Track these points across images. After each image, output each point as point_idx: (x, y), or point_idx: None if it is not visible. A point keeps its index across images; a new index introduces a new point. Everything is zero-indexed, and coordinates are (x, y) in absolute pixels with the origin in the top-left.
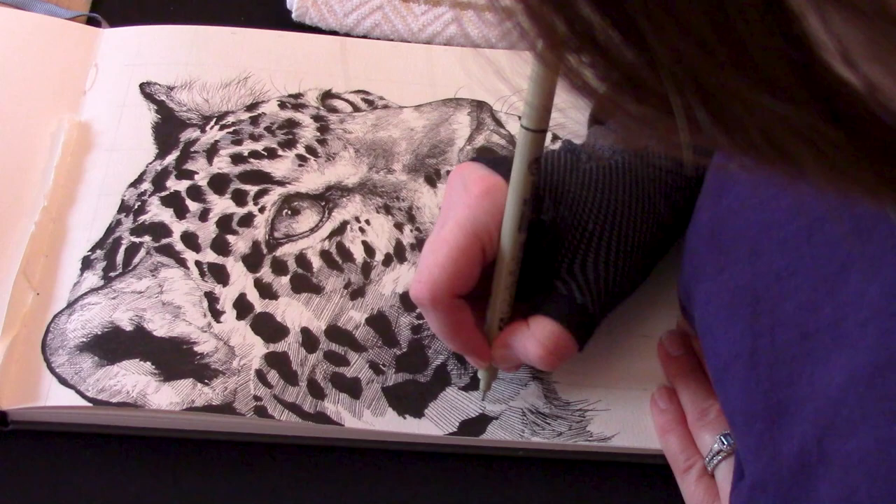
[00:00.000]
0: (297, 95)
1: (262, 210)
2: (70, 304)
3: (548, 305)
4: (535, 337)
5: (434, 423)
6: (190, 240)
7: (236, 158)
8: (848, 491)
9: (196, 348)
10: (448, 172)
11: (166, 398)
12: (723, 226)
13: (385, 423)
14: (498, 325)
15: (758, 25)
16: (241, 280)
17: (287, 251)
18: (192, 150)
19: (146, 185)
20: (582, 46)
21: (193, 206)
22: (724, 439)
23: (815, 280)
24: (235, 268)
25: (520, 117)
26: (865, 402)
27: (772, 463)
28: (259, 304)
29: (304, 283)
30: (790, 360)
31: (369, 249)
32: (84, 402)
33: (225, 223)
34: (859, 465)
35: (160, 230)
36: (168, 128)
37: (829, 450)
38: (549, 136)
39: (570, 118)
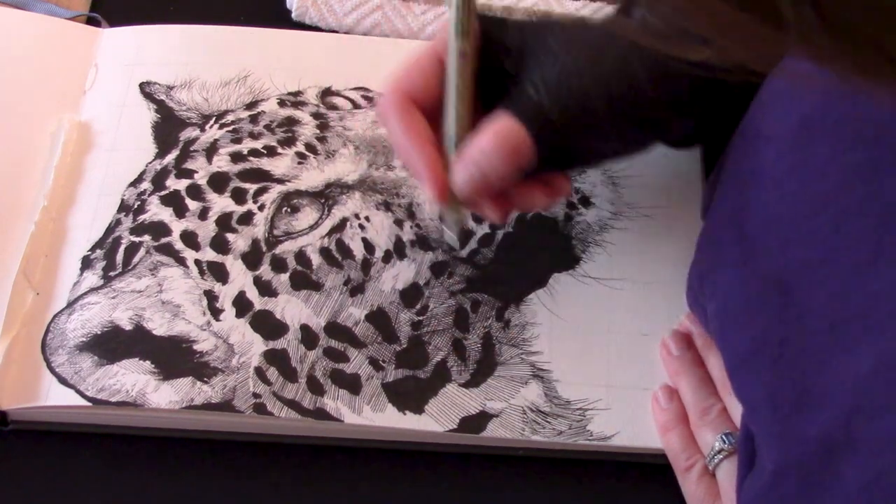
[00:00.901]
0: (297, 93)
1: (261, 208)
2: (70, 304)
3: (503, 103)
4: (486, 127)
5: (434, 420)
6: (189, 238)
7: (236, 157)
8: (875, 475)
9: (195, 347)
10: None
11: (166, 397)
12: (748, 215)
13: (385, 419)
14: (453, 146)
15: None
16: (240, 278)
17: (287, 249)
18: (191, 149)
19: (146, 185)
20: None
21: (193, 204)
22: (725, 438)
23: (844, 271)
24: (235, 266)
25: None
26: (893, 388)
27: (796, 447)
28: (258, 302)
29: (304, 281)
30: (819, 349)
31: (369, 246)
32: (84, 402)
33: (224, 221)
34: (887, 450)
35: (160, 229)
36: (168, 127)
37: (855, 434)
38: None
39: None
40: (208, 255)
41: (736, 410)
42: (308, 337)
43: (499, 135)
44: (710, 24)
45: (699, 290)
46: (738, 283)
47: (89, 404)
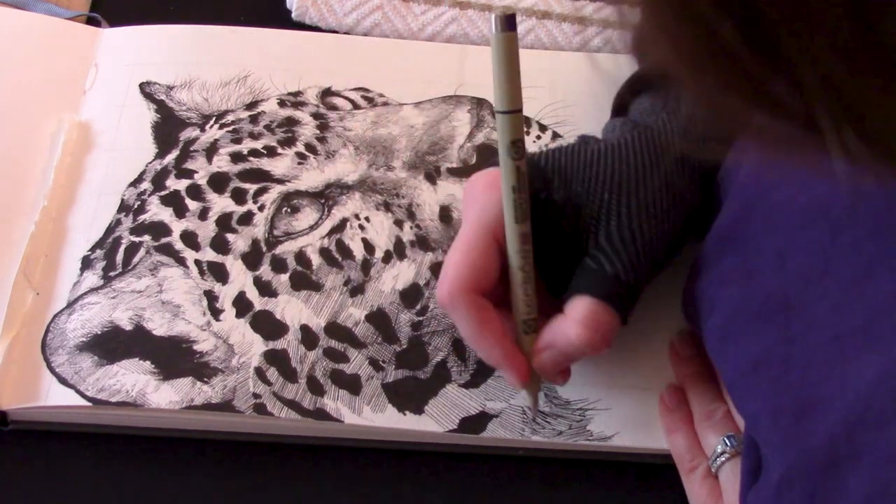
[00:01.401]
0: (297, 93)
1: (261, 208)
2: (70, 304)
3: (579, 283)
4: (573, 318)
5: (434, 420)
6: (189, 239)
7: (236, 157)
8: (881, 485)
9: (195, 347)
10: (448, 170)
11: (166, 397)
12: (745, 230)
13: (385, 419)
14: (524, 328)
15: None
16: (240, 278)
17: (286, 249)
18: (191, 149)
19: (146, 185)
20: (719, 66)
21: (193, 204)
22: (728, 441)
23: (843, 281)
24: (235, 266)
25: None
26: None
27: (799, 458)
28: (258, 302)
29: (304, 281)
30: (821, 360)
31: (369, 247)
32: (84, 402)
33: (224, 222)
34: (892, 461)
35: (160, 229)
36: (168, 127)
37: (859, 444)
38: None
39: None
40: (208, 255)
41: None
42: (308, 337)
43: (587, 323)
44: (745, 129)
45: (697, 306)
46: (738, 299)
47: (89, 404)
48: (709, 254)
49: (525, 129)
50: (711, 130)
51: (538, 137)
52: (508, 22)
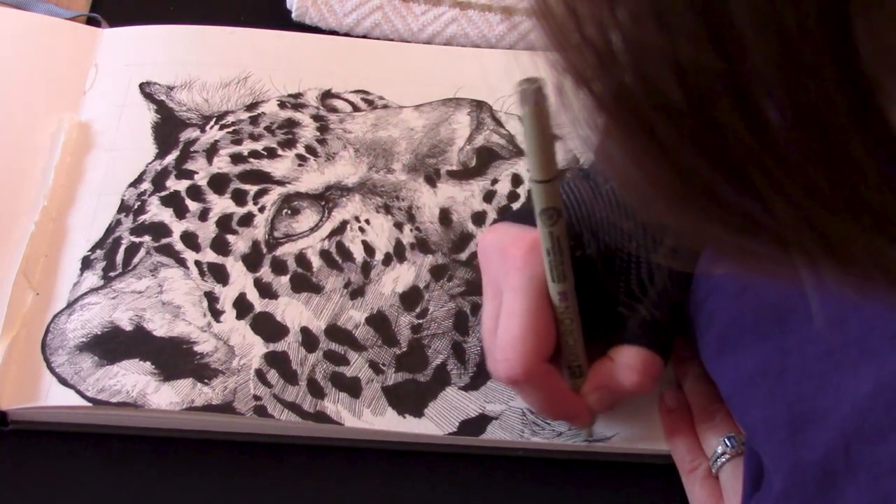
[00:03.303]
0: (297, 95)
1: (261, 210)
2: (70, 304)
3: (625, 333)
4: (626, 366)
5: (434, 423)
6: (190, 239)
7: (236, 158)
8: (879, 498)
9: (196, 348)
10: (448, 172)
11: (166, 398)
12: None
13: (385, 422)
14: (570, 374)
15: (873, 175)
16: (240, 280)
17: (287, 251)
18: (191, 149)
19: (146, 185)
20: (698, 202)
21: (193, 205)
22: (728, 441)
23: (839, 296)
24: (235, 267)
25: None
26: (894, 409)
27: (794, 471)
28: (259, 304)
29: (304, 283)
30: (817, 374)
31: (369, 249)
32: (84, 402)
33: (225, 223)
34: (891, 472)
35: (160, 230)
36: (168, 128)
37: (856, 457)
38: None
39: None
40: (209, 256)
41: None
42: (308, 339)
43: (640, 370)
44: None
45: (694, 315)
46: (736, 312)
47: (89, 404)
48: (703, 264)
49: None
50: (681, 245)
51: None
52: (537, 95)
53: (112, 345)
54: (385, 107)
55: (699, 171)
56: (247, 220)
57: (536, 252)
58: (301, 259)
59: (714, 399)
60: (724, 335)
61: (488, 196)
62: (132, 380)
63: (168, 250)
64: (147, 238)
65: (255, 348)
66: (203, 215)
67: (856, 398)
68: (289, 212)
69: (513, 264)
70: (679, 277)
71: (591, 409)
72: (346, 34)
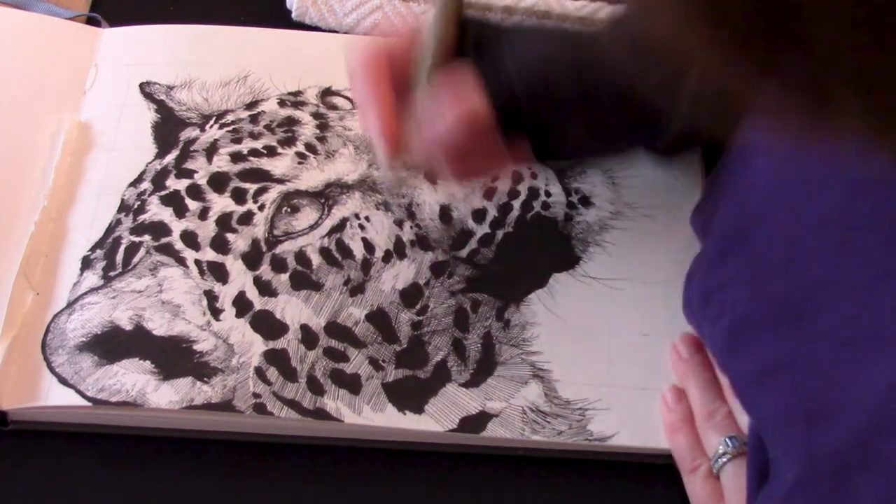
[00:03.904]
0: (297, 93)
1: (261, 208)
2: (70, 304)
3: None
4: (449, 90)
5: (434, 420)
6: (189, 238)
7: (236, 157)
8: (892, 495)
9: (195, 347)
10: None
11: (166, 397)
12: (752, 231)
13: (385, 419)
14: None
15: None
16: (240, 278)
17: (286, 249)
18: (191, 148)
19: (146, 185)
20: (731, 33)
21: (193, 204)
22: (729, 441)
23: (853, 289)
24: (235, 266)
25: None
26: None
27: (809, 463)
28: (258, 302)
29: (304, 281)
30: (831, 367)
31: (369, 246)
32: (84, 402)
33: (224, 221)
34: None
35: (160, 229)
36: (168, 127)
37: (872, 452)
38: None
39: None
40: (208, 255)
41: (742, 414)
42: (308, 337)
43: (453, 90)
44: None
45: (701, 307)
46: (748, 304)
47: (89, 404)
48: (713, 254)
49: None
50: (718, 106)
51: None
52: None
53: (112, 344)
54: None
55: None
56: (246, 218)
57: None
58: (301, 257)
59: (715, 398)
60: (735, 327)
61: (488, 193)
62: (132, 379)
63: (168, 249)
64: (147, 237)
65: (254, 346)
66: (203, 214)
67: (873, 393)
68: (288, 210)
69: None
70: (557, 69)
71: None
72: (347, 34)
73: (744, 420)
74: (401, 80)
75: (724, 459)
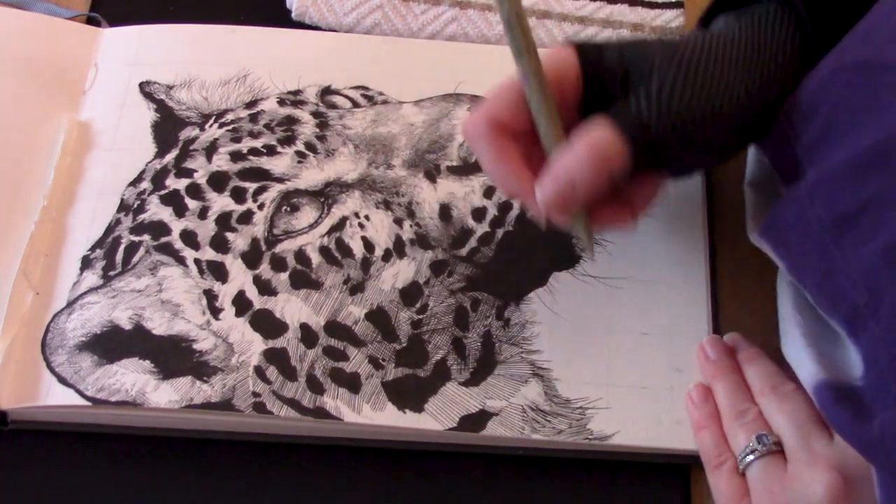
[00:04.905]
0: (296, 92)
1: (261, 207)
2: (70, 304)
3: (605, 113)
4: (586, 135)
5: (434, 418)
6: (189, 238)
7: (235, 156)
8: None
9: (195, 346)
10: (448, 168)
11: (165, 396)
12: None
13: (384, 417)
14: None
15: None
16: (240, 277)
17: (286, 248)
18: (191, 148)
19: (145, 184)
20: None
21: (193, 204)
22: (760, 439)
23: None
24: (234, 265)
25: None
26: None
27: None
28: (258, 301)
29: (304, 279)
30: None
31: (369, 245)
32: (83, 402)
33: (224, 221)
34: None
35: (159, 229)
36: (167, 126)
37: None
38: None
39: None
40: (208, 254)
41: (774, 416)
42: (308, 336)
43: (592, 142)
44: None
45: (839, 225)
46: None
47: (89, 404)
48: (845, 173)
49: None
50: None
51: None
52: None
53: (111, 344)
54: (385, 103)
55: None
56: (246, 217)
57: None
58: (300, 256)
59: (745, 399)
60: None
61: (488, 192)
62: (131, 378)
63: (167, 249)
64: (146, 237)
65: (254, 345)
66: (202, 213)
67: None
68: (288, 209)
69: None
70: (698, 109)
71: (541, 201)
72: (347, 33)
73: (776, 422)
74: (524, 132)
75: (753, 457)
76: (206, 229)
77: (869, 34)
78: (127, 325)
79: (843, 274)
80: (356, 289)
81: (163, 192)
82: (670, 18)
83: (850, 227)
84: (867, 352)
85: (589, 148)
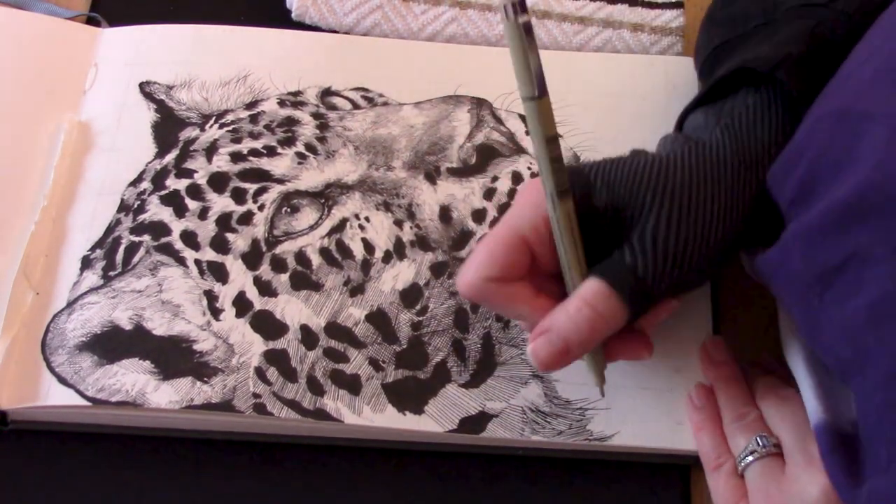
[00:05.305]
0: (297, 93)
1: (261, 208)
2: (70, 304)
3: (598, 267)
4: (581, 295)
5: (434, 420)
6: (189, 238)
7: (236, 157)
8: None
9: (195, 346)
10: (448, 169)
11: (165, 397)
12: (889, 193)
13: (385, 419)
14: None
15: None
16: (240, 278)
17: (286, 249)
18: (191, 148)
19: (145, 184)
20: None
21: (193, 204)
22: (760, 440)
23: None
24: (235, 266)
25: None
26: None
27: None
28: (258, 302)
29: (304, 281)
30: None
31: (369, 246)
32: (83, 402)
33: (224, 221)
34: None
35: (159, 229)
36: (167, 127)
37: None
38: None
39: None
40: (208, 254)
41: (773, 419)
42: (308, 337)
43: (591, 302)
44: None
45: (817, 286)
46: (891, 280)
47: (89, 404)
48: (824, 227)
49: (526, 129)
50: None
51: None
52: (522, 5)
53: (112, 344)
54: (385, 104)
55: None
56: (246, 218)
57: (532, 194)
58: (301, 257)
59: (746, 402)
60: (880, 304)
61: (488, 193)
62: (132, 379)
63: (167, 249)
64: (147, 237)
65: (254, 346)
66: (202, 214)
67: None
68: (288, 210)
69: (517, 199)
70: (688, 255)
71: (532, 355)
72: (346, 34)
73: (776, 424)
74: (509, 273)
75: (752, 458)
76: (207, 230)
77: (850, 78)
78: (127, 326)
79: (827, 329)
80: (356, 290)
81: (163, 193)
82: (670, 18)
83: (832, 284)
84: (858, 402)
85: (585, 310)
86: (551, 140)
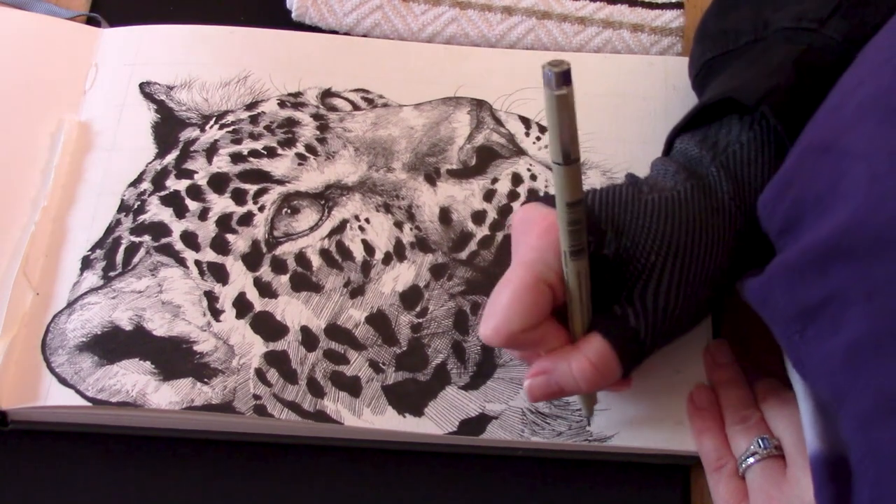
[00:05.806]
0: (297, 94)
1: (261, 209)
2: (70, 304)
3: (601, 324)
4: (583, 352)
5: (434, 422)
6: (189, 239)
7: (236, 157)
8: None
9: (195, 347)
10: (448, 171)
11: (166, 397)
12: (869, 233)
13: (385, 421)
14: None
15: None
16: (240, 279)
17: (286, 250)
18: (191, 149)
19: (146, 185)
20: None
21: (193, 205)
22: (761, 442)
23: None
24: (235, 267)
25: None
26: None
27: None
28: (258, 303)
29: (304, 282)
30: None
31: (369, 248)
32: (84, 402)
33: (224, 222)
34: None
35: (160, 229)
36: (168, 127)
37: None
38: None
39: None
40: (208, 255)
41: (775, 422)
42: (308, 339)
43: (591, 359)
44: None
45: (797, 323)
46: (871, 319)
47: (89, 404)
48: (805, 265)
49: (525, 131)
50: None
51: (538, 139)
52: (565, 78)
53: (112, 344)
54: (385, 105)
55: None
56: (246, 219)
57: (550, 234)
58: (301, 258)
59: (748, 405)
60: (858, 345)
61: (488, 195)
62: (132, 379)
63: (168, 250)
64: (147, 238)
65: (254, 347)
66: (203, 215)
67: None
68: (288, 211)
69: (528, 241)
70: (685, 312)
71: (527, 391)
72: (346, 34)
73: (777, 427)
74: (537, 321)
75: (753, 460)
76: (207, 231)
77: (836, 110)
78: (127, 326)
79: (809, 366)
80: (356, 292)
81: (163, 193)
82: (670, 19)
83: (812, 321)
84: (846, 436)
85: (589, 370)
86: (573, 204)
